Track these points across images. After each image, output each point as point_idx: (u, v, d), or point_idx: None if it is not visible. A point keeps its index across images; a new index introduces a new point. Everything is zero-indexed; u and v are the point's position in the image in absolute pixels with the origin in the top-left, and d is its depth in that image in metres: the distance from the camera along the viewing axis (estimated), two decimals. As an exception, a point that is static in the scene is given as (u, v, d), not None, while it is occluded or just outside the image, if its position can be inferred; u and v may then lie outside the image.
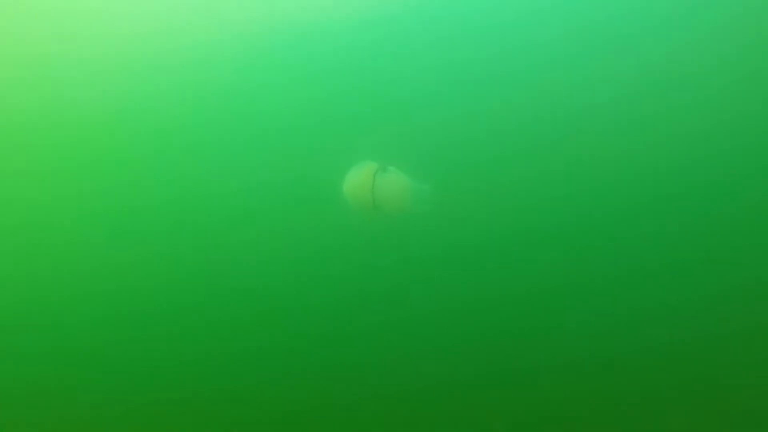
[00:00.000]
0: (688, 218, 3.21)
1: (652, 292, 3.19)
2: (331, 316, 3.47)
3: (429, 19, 3.43)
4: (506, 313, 3.31)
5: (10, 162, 3.59)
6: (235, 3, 3.53)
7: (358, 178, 3.30)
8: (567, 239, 3.29)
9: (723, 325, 3.13)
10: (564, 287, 3.25)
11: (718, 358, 3.12)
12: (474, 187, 3.37)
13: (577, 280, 3.24)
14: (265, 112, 3.59)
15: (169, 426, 3.44)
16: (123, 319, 3.56)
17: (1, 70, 3.58)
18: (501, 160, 3.36)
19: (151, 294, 3.59)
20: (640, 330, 3.17)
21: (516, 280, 3.31)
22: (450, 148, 3.40)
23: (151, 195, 3.63)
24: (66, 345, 3.58)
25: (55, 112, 3.60)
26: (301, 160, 3.53)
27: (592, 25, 3.30)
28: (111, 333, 3.55)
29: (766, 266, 3.13)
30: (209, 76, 3.58)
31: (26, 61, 3.56)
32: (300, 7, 3.47)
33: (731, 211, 3.17)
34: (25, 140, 3.61)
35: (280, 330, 3.51)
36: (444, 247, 3.40)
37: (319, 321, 3.48)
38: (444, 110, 3.43)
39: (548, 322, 3.25)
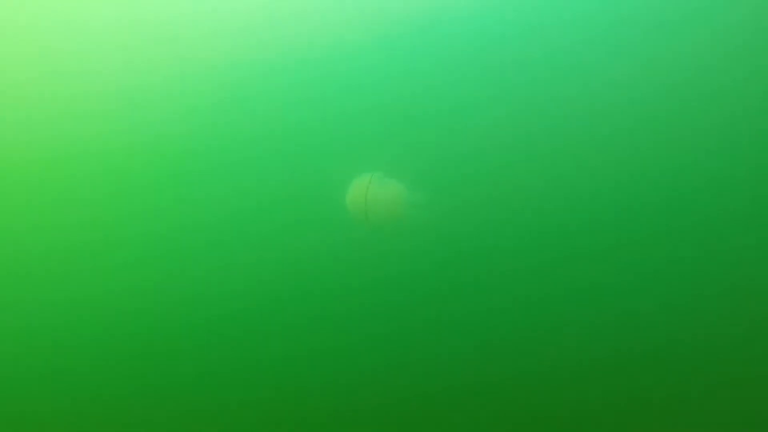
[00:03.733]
0: (686, 222, 3.20)
1: (653, 296, 3.20)
2: (332, 327, 3.51)
3: (424, 35, 3.39)
4: (503, 321, 3.34)
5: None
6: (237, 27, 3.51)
7: (357, 190, 3.31)
8: (568, 245, 3.29)
9: (723, 326, 3.15)
10: (562, 294, 3.26)
11: (717, 359, 3.15)
12: (472, 196, 3.35)
13: (575, 287, 3.25)
14: (265, 129, 3.61)
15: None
16: (130, 336, 3.64)
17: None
18: (499, 170, 3.34)
19: (156, 308, 3.65)
20: (641, 337, 3.20)
21: (514, 287, 3.33)
22: (448, 158, 3.38)
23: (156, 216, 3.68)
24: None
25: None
26: (302, 173, 3.55)
27: (589, 33, 3.25)
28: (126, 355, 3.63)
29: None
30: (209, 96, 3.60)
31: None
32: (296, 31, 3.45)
33: (732, 212, 3.16)
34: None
35: (283, 343, 3.55)
36: (443, 256, 3.40)
37: (320, 332, 3.52)
38: (442, 120, 3.40)
39: (546, 329, 3.28)
